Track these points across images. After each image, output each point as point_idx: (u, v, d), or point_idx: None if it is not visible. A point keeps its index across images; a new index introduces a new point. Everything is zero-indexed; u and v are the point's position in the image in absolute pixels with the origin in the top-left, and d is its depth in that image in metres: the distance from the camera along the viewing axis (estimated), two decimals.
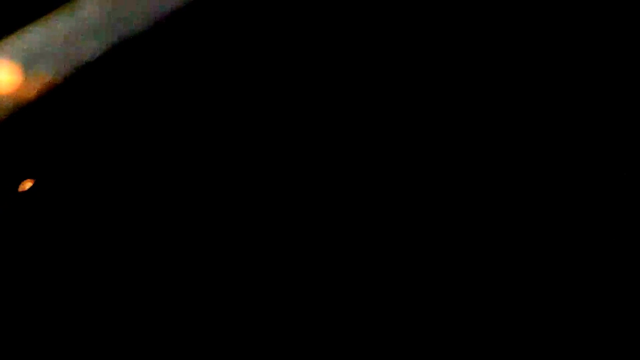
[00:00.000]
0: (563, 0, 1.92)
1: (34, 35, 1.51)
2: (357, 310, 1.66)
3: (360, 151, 1.74)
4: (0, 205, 1.47)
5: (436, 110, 1.81)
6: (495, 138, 1.81)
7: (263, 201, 1.63)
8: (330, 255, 1.67)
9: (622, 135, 1.82)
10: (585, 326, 1.67)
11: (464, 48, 1.86)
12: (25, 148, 1.46)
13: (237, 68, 1.66)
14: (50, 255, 1.48)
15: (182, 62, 1.57)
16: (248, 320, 1.60)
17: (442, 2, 1.85)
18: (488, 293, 1.69)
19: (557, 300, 1.69)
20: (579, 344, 1.66)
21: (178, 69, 1.58)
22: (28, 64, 1.49)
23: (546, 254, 1.74)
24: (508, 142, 1.81)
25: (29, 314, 1.48)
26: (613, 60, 1.90)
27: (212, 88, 1.64)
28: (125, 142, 1.56)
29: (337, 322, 1.65)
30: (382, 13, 1.83)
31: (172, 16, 1.55)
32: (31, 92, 1.48)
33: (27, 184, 1.45)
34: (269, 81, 1.69)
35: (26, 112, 1.46)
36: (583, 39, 1.90)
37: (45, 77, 1.47)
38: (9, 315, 1.46)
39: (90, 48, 1.54)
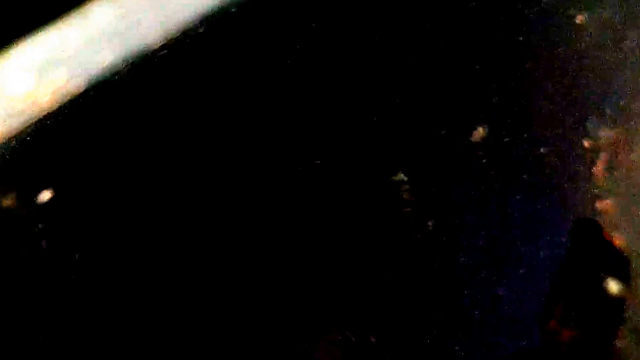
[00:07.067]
0: None
1: (46, 42, 1.49)
2: (355, 308, 1.70)
3: (357, 153, 1.75)
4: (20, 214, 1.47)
5: (435, 110, 1.82)
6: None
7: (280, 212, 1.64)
8: (329, 255, 1.70)
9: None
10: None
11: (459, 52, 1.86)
12: (41, 157, 1.46)
13: (252, 77, 1.65)
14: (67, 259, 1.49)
15: (196, 72, 1.56)
16: (247, 320, 1.63)
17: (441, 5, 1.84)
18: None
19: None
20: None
21: (193, 78, 1.56)
22: (41, 71, 1.47)
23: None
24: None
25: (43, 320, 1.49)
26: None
27: (226, 97, 1.63)
28: (139, 150, 1.56)
29: (336, 321, 1.68)
30: (382, 15, 1.82)
31: (187, 24, 1.54)
32: (44, 100, 1.47)
33: (46, 195, 1.45)
34: (288, 91, 1.68)
35: (40, 121, 1.45)
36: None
37: (58, 84, 1.46)
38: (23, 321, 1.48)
39: (104, 55, 1.52)
